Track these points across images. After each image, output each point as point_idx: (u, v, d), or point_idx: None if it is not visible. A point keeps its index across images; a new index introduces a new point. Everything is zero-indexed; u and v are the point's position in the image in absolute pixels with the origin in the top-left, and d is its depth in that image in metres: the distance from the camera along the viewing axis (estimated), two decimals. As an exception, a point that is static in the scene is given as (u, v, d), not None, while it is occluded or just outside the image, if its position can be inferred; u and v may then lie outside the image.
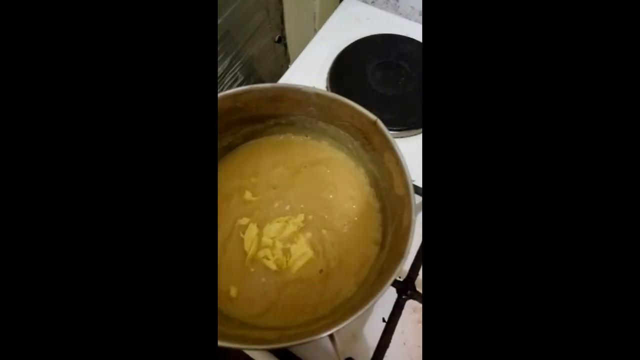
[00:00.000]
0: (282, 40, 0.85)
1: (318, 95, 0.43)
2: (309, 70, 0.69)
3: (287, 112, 0.47)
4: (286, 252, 0.44)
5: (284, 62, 0.91)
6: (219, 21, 0.61)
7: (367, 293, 0.38)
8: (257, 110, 0.45)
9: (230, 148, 0.50)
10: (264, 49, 0.82)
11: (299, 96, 0.44)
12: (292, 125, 0.49)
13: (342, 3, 0.82)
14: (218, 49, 0.65)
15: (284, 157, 0.50)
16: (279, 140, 0.51)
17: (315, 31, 0.92)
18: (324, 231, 0.45)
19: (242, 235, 0.45)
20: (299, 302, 0.41)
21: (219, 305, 0.41)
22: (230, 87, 0.75)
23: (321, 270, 0.43)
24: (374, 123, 0.41)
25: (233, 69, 0.75)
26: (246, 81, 0.80)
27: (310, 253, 0.43)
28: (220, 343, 0.30)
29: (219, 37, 0.63)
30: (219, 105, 0.42)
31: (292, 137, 0.51)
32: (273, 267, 0.42)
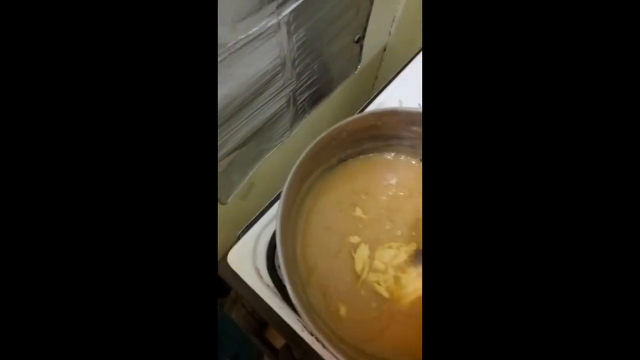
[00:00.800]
0: (360, 40, 0.83)
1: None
2: (414, 87, 0.65)
3: (416, 136, 0.45)
4: (397, 280, 0.43)
5: (355, 63, 0.89)
6: (311, 23, 0.59)
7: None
8: (391, 130, 0.44)
9: (343, 160, 0.48)
10: (342, 48, 0.80)
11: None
12: (412, 148, 0.48)
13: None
14: (305, 48, 0.63)
15: (396, 178, 0.49)
16: (390, 159, 0.50)
17: (390, 34, 0.90)
18: (433, 264, 0.44)
19: (353, 254, 0.44)
20: (407, 336, 0.41)
21: (330, 324, 0.40)
22: (306, 84, 0.72)
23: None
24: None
25: (311, 65, 0.73)
26: (320, 79, 0.78)
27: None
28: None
29: (307, 38, 0.61)
30: (362, 121, 0.40)
31: (402, 157, 0.50)
32: (385, 294, 0.42)
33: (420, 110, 0.42)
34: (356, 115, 0.40)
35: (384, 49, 0.95)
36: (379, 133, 0.44)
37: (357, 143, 0.46)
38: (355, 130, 0.42)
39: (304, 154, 0.38)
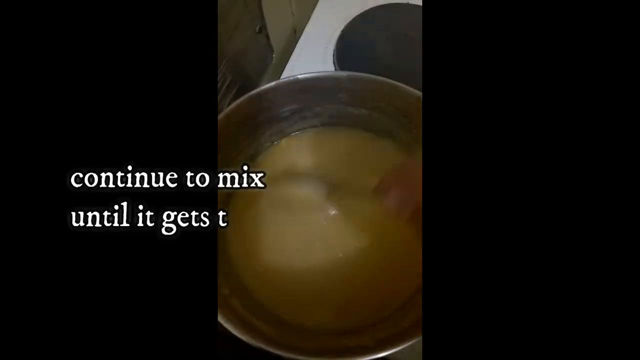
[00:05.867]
0: (262, 30, 0.80)
1: (350, 79, 0.39)
2: (313, 54, 0.63)
3: (313, 104, 0.43)
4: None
5: (268, 53, 0.86)
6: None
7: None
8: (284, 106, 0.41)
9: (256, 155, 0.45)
10: (247, 43, 0.77)
11: (329, 83, 0.40)
12: (317, 117, 0.45)
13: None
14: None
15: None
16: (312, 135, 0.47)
17: (293, 15, 0.87)
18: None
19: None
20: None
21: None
22: (220, 87, 0.69)
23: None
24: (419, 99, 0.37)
25: (220, 69, 0.70)
26: (235, 80, 0.75)
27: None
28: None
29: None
30: (246, 109, 0.37)
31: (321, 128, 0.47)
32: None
33: (303, 75, 0.39)
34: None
35: (294, 31, 0.91)
36: (274, 113, 0.42)
37: (258, 132, 0.43)
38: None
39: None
